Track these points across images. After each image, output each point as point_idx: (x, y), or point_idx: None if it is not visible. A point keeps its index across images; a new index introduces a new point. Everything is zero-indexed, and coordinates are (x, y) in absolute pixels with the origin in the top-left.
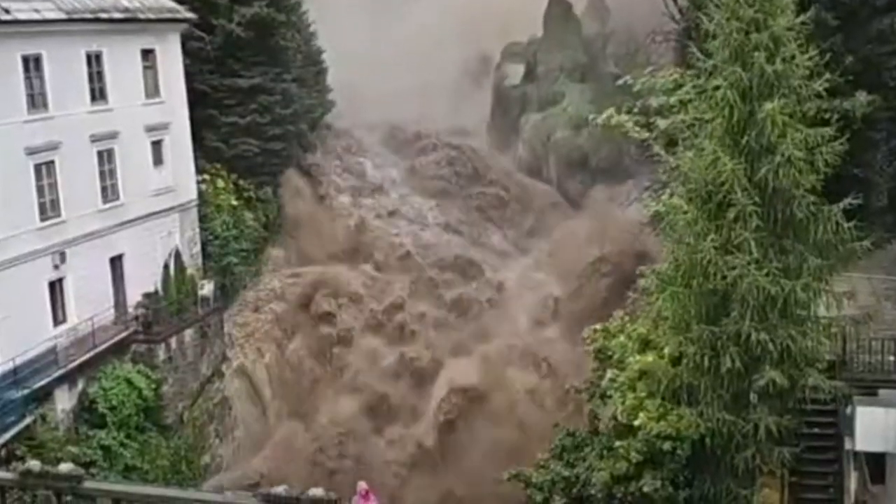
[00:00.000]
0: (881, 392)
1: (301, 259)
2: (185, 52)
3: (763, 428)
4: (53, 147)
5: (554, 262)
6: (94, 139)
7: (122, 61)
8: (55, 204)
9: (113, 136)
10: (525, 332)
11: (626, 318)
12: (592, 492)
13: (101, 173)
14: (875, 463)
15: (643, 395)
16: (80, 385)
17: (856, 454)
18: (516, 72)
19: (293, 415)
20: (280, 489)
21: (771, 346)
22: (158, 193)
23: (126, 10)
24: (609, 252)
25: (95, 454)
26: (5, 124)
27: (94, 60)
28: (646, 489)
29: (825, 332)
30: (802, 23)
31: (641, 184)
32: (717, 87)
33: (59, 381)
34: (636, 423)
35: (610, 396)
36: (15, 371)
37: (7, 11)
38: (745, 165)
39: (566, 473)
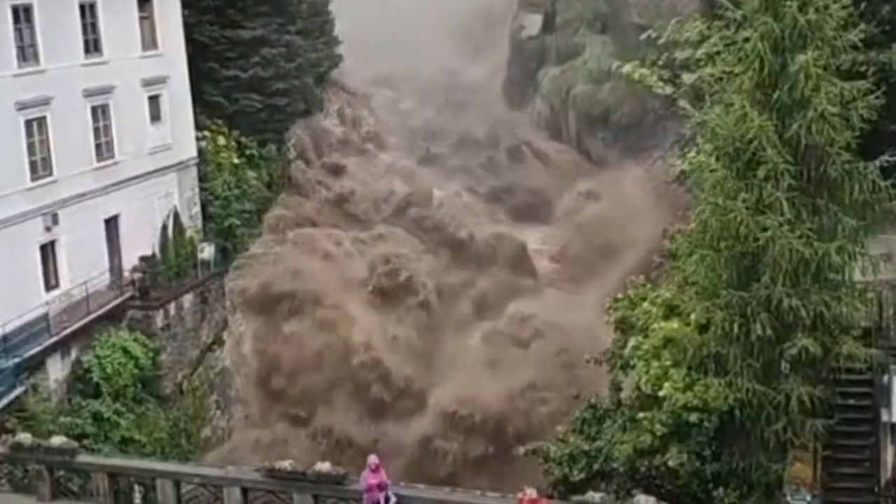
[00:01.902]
0: None
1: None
2: (184, 1)
3: (795, 399)
4: (45, 102)
5: None
6: (88, 94)
7: (117, 11)
8: (46, 162)
9: (108, 90)
10: None
11: (650, 284)
12: (614, 466)
13: (95, 130)
14: None
15: (668, 364)
16: (73, 353)
17: (893, 426)
18: (534, 22)
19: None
20: (285, 463)
21: (803, 312)
22: (156, 151)
23: None
24: None
25: (89, 426)
26: None
27: (87, 10)
28: (671, 463)
29: (861, 297)
30: None
31: (667, 141)
32: (746, 39)
33: (52, 349)
34: (661, 393)
35: (633, 366)
36: (5, 339)
37: None
38: (776, 121)
39: (587, 447)
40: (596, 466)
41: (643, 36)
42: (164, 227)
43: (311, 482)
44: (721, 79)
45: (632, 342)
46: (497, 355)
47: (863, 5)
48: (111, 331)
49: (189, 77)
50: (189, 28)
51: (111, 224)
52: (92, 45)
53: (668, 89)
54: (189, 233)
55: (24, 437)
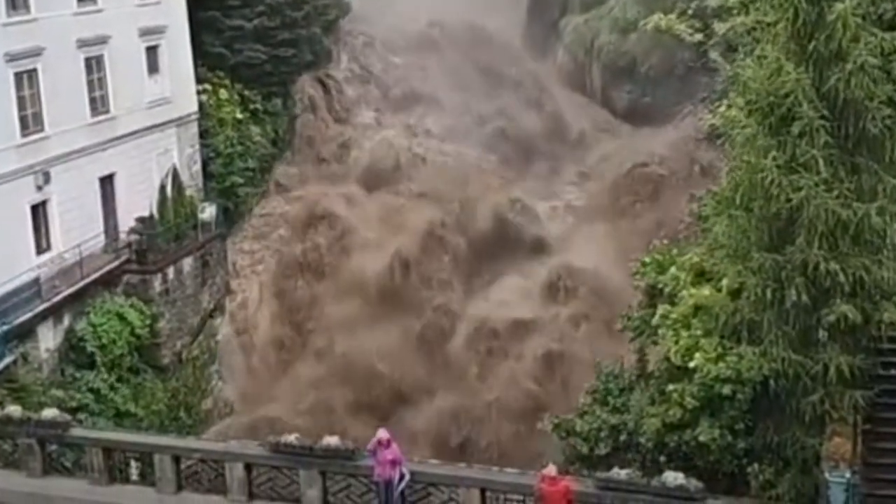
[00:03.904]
0: None
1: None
2: None
3: (833, 369)
4: (36, 53)
5: None
6: (82, 44)
7: None
8: (38, 117)
9: (103, 40)
10: None
11: (676, 250)
12: (642, 441)
13: (90, 83)
14: None
15: (699, 333)
16: (66, 321)
17: None
18: None
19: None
20: (291, 437)
21: (842, 276)
22: (154, 105)
23: None
24: None
25: (83, 398)
26: None
27: None
28: (702, 438)
29: None
30: None
31: (696, 95)
32: None
33: (43, 316)
34: (691, 364)
35: (661, 335)
36: None
37: None
38: (813, 74)
39: (614, 421)
40: (622, 439)
41: None
42: (163, 187)
43: (319, 458)
44: (754, 28)
45: (660, 310)
46: None
47: None
48: (106, 296)
49: (189, 27)
50: None
51: (106, 183)
52: None
53: (698, 37)
54: (189, 192)
55: (14, 410)
